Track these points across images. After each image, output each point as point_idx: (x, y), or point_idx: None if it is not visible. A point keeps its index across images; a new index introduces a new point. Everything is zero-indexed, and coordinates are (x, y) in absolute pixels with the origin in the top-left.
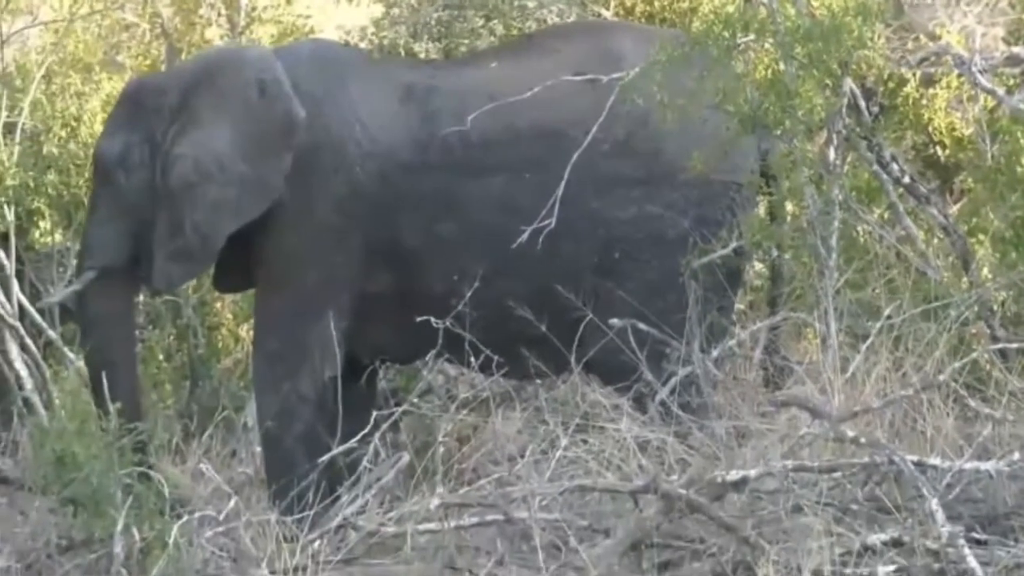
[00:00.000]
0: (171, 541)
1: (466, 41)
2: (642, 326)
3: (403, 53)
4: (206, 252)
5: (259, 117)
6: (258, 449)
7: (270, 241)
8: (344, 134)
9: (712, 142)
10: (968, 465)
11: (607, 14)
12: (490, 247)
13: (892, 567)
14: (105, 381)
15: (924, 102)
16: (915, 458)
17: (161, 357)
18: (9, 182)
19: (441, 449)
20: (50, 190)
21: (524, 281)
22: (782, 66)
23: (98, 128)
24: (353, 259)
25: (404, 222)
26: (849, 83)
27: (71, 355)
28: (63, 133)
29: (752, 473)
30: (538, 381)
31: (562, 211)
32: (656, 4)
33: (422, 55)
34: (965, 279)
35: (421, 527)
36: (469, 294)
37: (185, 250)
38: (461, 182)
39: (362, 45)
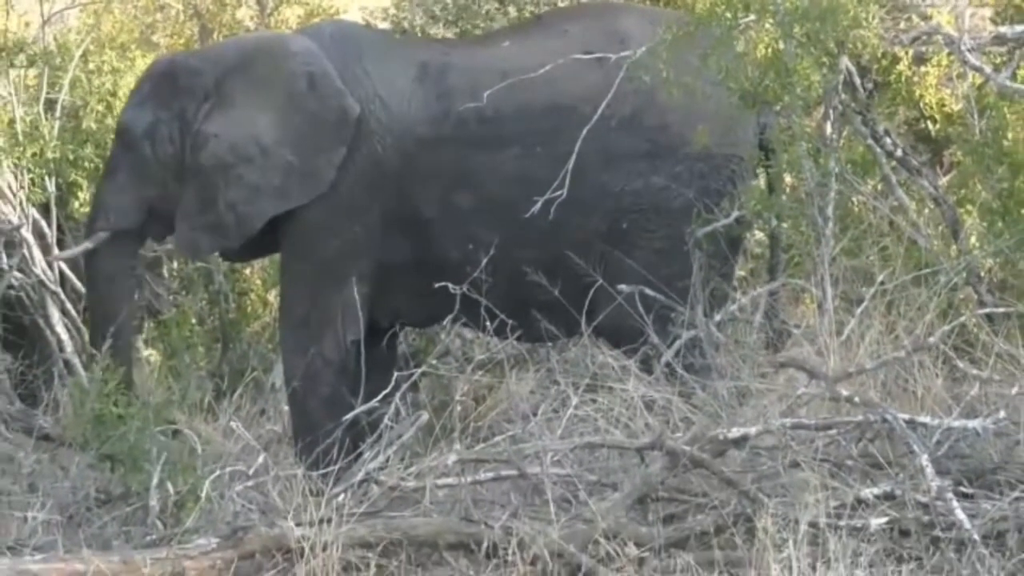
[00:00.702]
0: (203, 495)
1: (481, 24)
2: (649, 292)
3: (420, 35)
4: (241, 230)
5: (310, 110)
6: (285, 408)
7: (294, 213)
8: (364, 110)
9: (715, 117)
10: (956, 423)
11: None
12: (504, 217)
13: (884, 519)
14: (105, 330)
15: (916, 79)
16: (906, 416)
17: (194, 321)
18: (50, 155)
19: (458, 408)
20: (88, 163)
21: (537, 249)
22: (781, 45)
23: None
24: (373, 229)
25: (421, 194)
26: (845, 61)
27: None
28: (100, 108)
29: (752, 431)
30: (550, 344)
31: (572, 183)
32: None
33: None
34: (954, 247)
35: (439, 482)
36: (484, 261)
37: (217, 225)
38: (475, 155)
39: (383, 26)
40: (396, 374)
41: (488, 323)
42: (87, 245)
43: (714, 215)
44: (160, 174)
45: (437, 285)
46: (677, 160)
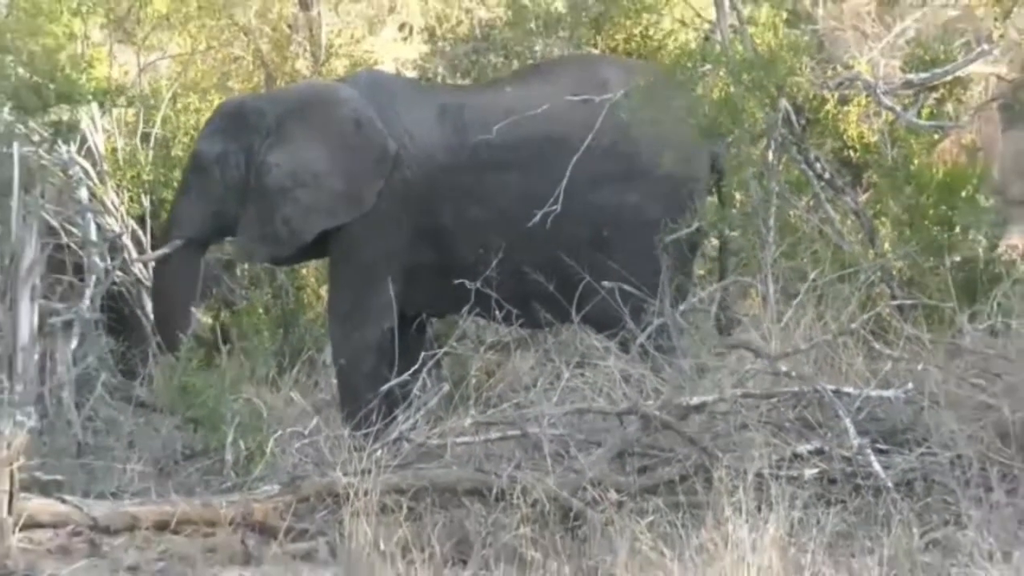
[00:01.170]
0: (268, 450)
1: (490, 72)
2: (626, 287)
3: (441, 81)
4: (292, 242)
5: (357, 148)
6: (334, 381)
7: (341, 226)
8: (398, 145)
9: (678, 147)
10: (874, 393)
11: (596, 51)
12: (509, 227)
13: (815, 470)
14: (171, 320)
15: (840, 116)
16: (833, 387)
17: (261, 310)
18: (145, 177)
19: (473, 381)
20: (176, 184)
21: (536, 253)
22: (732, 89)
23: None
24: (404, 238)
25: (442, 209)
26: (783, 102)
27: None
28: (186, 140)
29: (709, 399)
30: (547, 329)
31: (564, 200)
32: (633, 43)
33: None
34: (871, 251)
35: (458, 440)
36: (494, 263)
37: (273, 237)
38: (486, 178)
39: (411, 74)
40: (423, 354)
41: (497, 312)
42: (165, 250)
43: (678, 225)
44: (224, 194)
45: (456, 282)
46: (648, 181)
